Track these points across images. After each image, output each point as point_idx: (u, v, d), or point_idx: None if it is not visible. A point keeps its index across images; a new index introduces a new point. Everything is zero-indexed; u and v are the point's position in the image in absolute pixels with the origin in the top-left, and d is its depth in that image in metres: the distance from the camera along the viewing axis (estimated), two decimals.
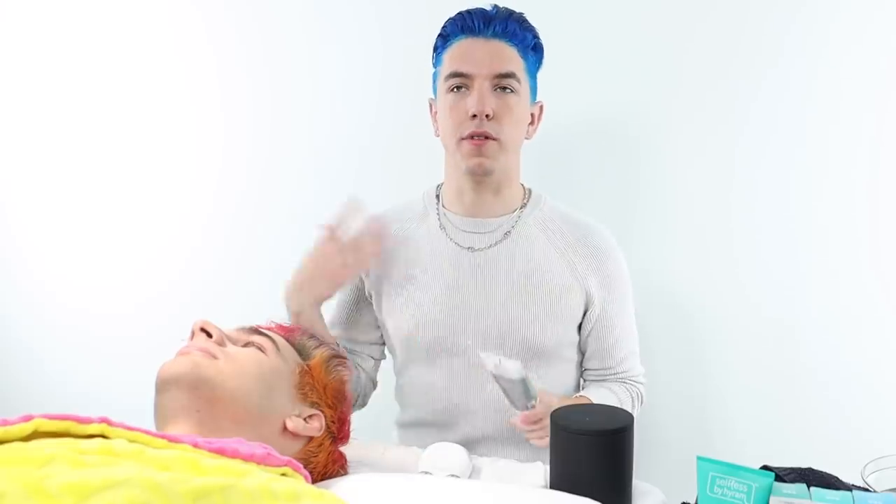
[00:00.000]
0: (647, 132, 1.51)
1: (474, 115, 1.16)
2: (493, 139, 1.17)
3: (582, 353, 1.30)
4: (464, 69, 1.18)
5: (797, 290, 1.45)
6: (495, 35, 1.19)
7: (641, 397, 1.30)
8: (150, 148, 1.90)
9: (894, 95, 1.36)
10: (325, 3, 1.70)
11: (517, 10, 1.22)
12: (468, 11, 1.21)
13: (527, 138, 1.26)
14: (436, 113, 1.26)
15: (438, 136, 1.26)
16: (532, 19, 1.24)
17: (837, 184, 1.41)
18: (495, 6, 1.22)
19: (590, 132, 1.55)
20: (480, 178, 1.22)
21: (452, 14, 1.22)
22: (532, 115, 1.26)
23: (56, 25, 1.93)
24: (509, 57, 1.19)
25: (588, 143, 1.56)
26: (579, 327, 1.27)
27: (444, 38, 1.23)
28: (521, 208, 1.28)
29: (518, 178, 1.29)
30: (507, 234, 1.25)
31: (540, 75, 1.27)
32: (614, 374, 1.28)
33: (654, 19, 1.48)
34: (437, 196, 1.32)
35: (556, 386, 1.26)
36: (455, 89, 1.19)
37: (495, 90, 1.18)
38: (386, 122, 1.68)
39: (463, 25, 1.20)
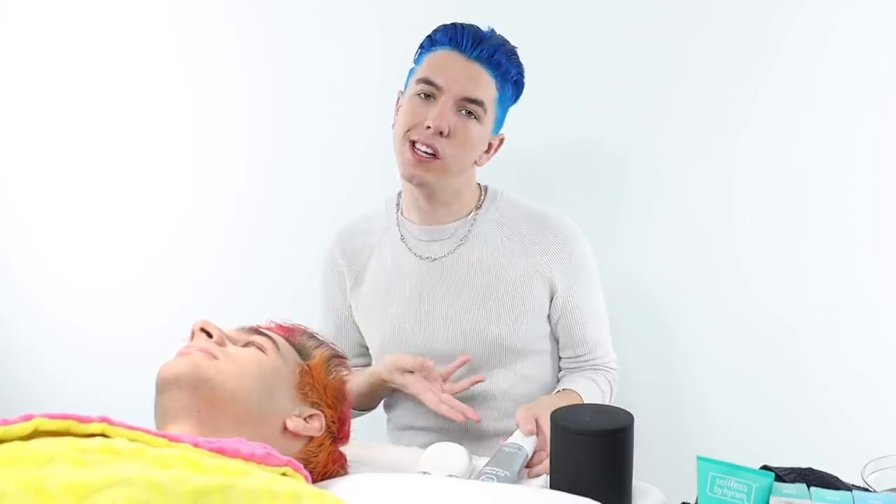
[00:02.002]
0: (647, 136, 1.51)
1: (429, 127, 1.16)
2: (438, 158, 1.17)
3: (556, 341, 1.31)
4: (436, 80, 1.18)
5: (797, 290, 1.45)
6: (479, 59, 1.19)
7: (616, 383, 1.31)
8: (150, 148, 1.90)
9: (893, 97, 1.36)
10: (325, 2, 1.70)
11: (511, 43, 1.22)
12: (462, 26, 1.20)
13: (477, 164, 1.26)
14: (399, 108, 1.26)
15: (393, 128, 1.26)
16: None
17: (837, 184, 1.41)
18: (492, 30, 1.21)
19: (593, 138, 1.55)
20: (415, 186, 1.22)
21: (451, 14, 1.22)
22: (490, 144, 1.26)
23: (56, 25, 1.94)
24: (484, 84, 1.19)
25: (591, 146, 1.56)
26: (548, 317, 1.27)
27: (431, 42, 1.22)
28: (476, 209, 1.28)
29: (471, 189, 1.29)
30: (463, 238, 1.26)
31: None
32: (588, 360, 1.29)
33: (648, 23, 1.47)
34: (398, 204, 1.33)
35: (534, 379, 1.27)
36: (423, 95, 1.19)
37: (459, 111, 1.17)
38: (386, 121, 1.68)
39: (453, 37, 1.19)
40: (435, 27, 1.23)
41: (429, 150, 1.17)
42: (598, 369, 1.29)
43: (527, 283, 1.24)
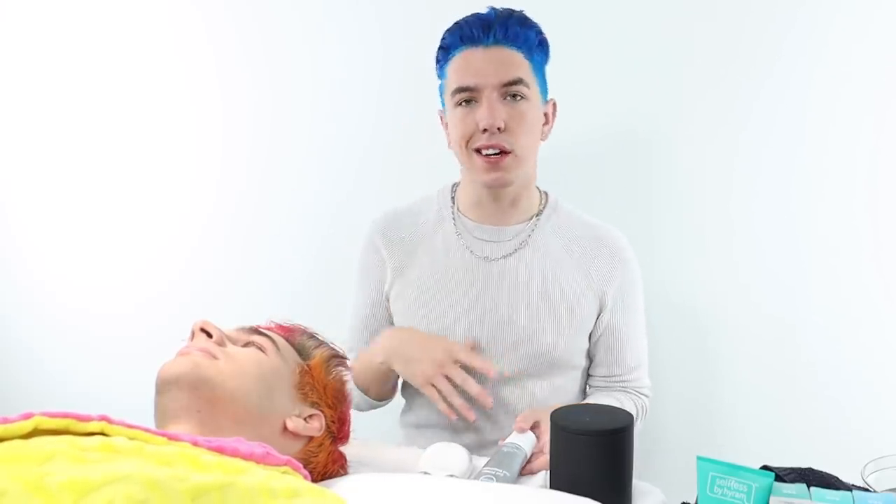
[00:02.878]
0: (648, 137, 1.51)
1: (485, 130, 1.13)
2: (508, 152, 1.15)
3: (590, 359, 1.29)
4: (469, 82, 1.14)
5: (798, 289, 1.45)
6: (497, 41, 1.14)
7: (646, 410, 1.29)
8: (150, 148, 1.90)
9: (894, 96, 1.36)
10: (325, 3, 1.70)
11: (516, 10, 1.18)
12: (465, 20, 1.17)
13: (542, 140, 1.23)
14: (447, 125, 1.24)
15: (451, 147, 1.24)
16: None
17: (838, 184, 1.41)
18: (492, 9, 1.17)
19: (594, 139, 1.55)
20: (498, 189, 1.21)
21: (452, 13, 1.21)
22: (546, 114, 1.23)
23: (56, 25, 1.94)
24: (515, 62, 1.15)
25: (591, 149, 1.56)
26: (590, 334, 1.26)
27: (445, 51, 1.19)
28: (537, 215, 1.27)
29: (534, 184, 1.28)
30: (523, 243, 1.24)
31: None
32: (619, 381, 1.28)
33: (656, 25, 1.47)
34: (453, 198, 1.30)
35: (564, 393, 1.25)
36: (463, 103, 1.16)
37: (504, 99, 1.14)
38: (386, 121, 1.68)
39: (462, 35, 1.16)
40: (437, 26, 1.21)
41: (495, 150, 1.15)
42: (628, 392, 1.27)
43: (580, 297, 1.22)
